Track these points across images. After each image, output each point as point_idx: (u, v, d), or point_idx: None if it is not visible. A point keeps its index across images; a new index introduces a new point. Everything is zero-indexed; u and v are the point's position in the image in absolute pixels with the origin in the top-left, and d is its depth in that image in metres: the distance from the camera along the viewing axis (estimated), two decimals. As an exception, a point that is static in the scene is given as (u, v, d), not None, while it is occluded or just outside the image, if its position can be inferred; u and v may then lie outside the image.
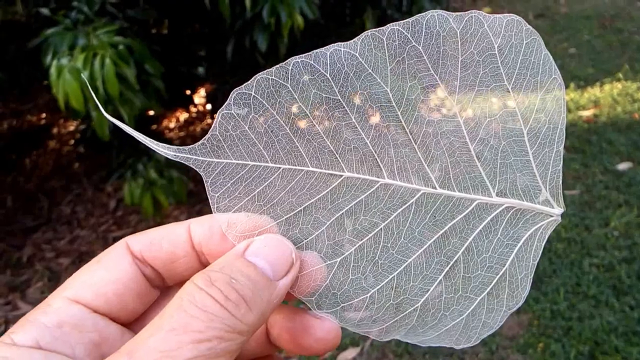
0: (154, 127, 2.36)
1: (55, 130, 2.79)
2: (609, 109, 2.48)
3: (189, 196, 1.92)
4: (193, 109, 2.74)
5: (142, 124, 1.97)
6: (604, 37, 3.36)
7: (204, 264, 0.32)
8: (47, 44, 1.45)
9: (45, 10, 1.55)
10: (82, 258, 1.95)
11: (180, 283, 0.29)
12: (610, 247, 1.67)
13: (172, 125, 2.76)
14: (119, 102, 1.42)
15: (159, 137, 2.30)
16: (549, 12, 4.03)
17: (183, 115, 2.79)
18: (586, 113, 2.48)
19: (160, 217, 1.90)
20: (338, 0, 2.11)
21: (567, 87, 2.74)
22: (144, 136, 0.30)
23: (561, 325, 1.42)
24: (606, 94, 2.63)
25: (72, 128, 2.71)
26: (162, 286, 0.33)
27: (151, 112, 2.08)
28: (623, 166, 2.06)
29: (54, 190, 2.36)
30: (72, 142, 2.64)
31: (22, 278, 1.89)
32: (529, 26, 0.28)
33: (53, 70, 1.38)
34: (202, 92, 2.58)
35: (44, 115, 2.90)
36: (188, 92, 2.30)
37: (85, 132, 2.01)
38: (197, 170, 0.30)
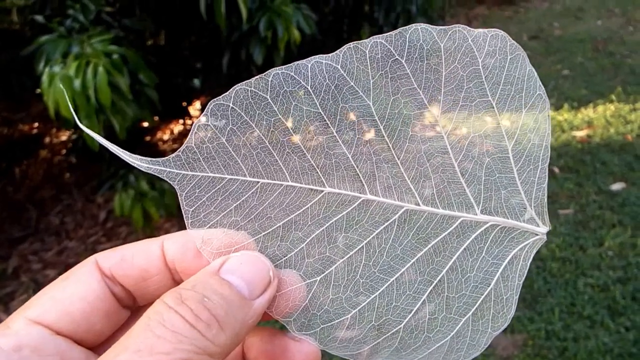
0: (148, 138, 2.35)
1: (47, 139, 2.77)
2: (602, 130, 2.50)
3: (180, 209, 1.90)
4: (188, 121, 2.73)
5: (136, 135, 1.96)
6: (597, 59, 3.40)
7: (177, 283, 0.30)
8: (40, 51, 1.44)
9: (40, 18, 1.55)
10: (69, 270, 1.92)
11: (152, 303, 0.28)
12: (605, 267, 1.66)
13: (166, 137, 2.74)
14: (111, 112, 1.41)
15: (153, 148, 2.29)
16: (542, 34, 4.08)
17: (178, 127, 2.78)
18: (580, 133, 2.50)
19: (150, 230, 1.87)
20: (336, 17, 2.12)
21: (560, 107, 2.76)
22: (116, 146, 0.29)
23: (556, 346, 1.40)
24: (599, 115, 2.64)
25: (64, 138, 2.69)
26: (132, 306, 0.31)
27: (145, 124, 2.07)
28: (616, 186, 2.06)
29: (43, 201, 2.33)
30: (63, 152, 2.62)
31: (6, 290, 1.86)
32: (513, 41, 0.27)
33: (45, 78, 1.37)
34: (197, 104, 2.57)
35: (36, 124, 2.89)
36: (184, 104, 2.29)
37: (76, 142, 2.00)
38: (171, 183, 0.29)
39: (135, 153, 0.29)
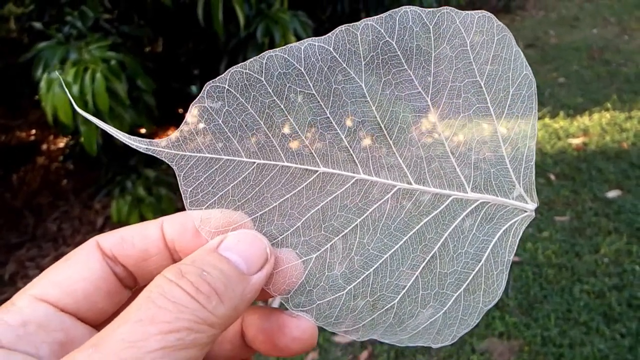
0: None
1: (44, 146, 2.77)
2: (598, 138, 2.51)
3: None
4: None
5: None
6: (592, 68, 3.43)
7: (177, 262, 0.30)
8: (38, 58, 1.45)
9: (38, 25, 1.56)
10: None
11: None
12: (601, 274, 1.66)
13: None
14: (109, 117, 1.41)
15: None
16: (539, 42, 4.12)
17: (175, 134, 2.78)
18: (576, 141, 2.51)
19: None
20: (332, 24, 2.14)
21: (556, 115, 2.78)
22: (114, 129, 0.30)
23: (552, 352, 1.40)
24: (595, 123, 2.66)
25: (61, 145, 2.70)
26: (133, 286, 0.32)
27: (143, 130, 2.08)
28: (612, 194, 2.07)
29: (40, 207, 2.32)
30: (61, 158, 2.62)
31: (3, 296, 1.85)
32: (500, 22, 0.28)
33: (43, 84, 1.38)
34: (195, 111, 2.57)
35: (33, 131, 2.89)
36: (181, 110, 2.30)
37: (74, 148, 2.00)
38: (169, 163, 0.29)
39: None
